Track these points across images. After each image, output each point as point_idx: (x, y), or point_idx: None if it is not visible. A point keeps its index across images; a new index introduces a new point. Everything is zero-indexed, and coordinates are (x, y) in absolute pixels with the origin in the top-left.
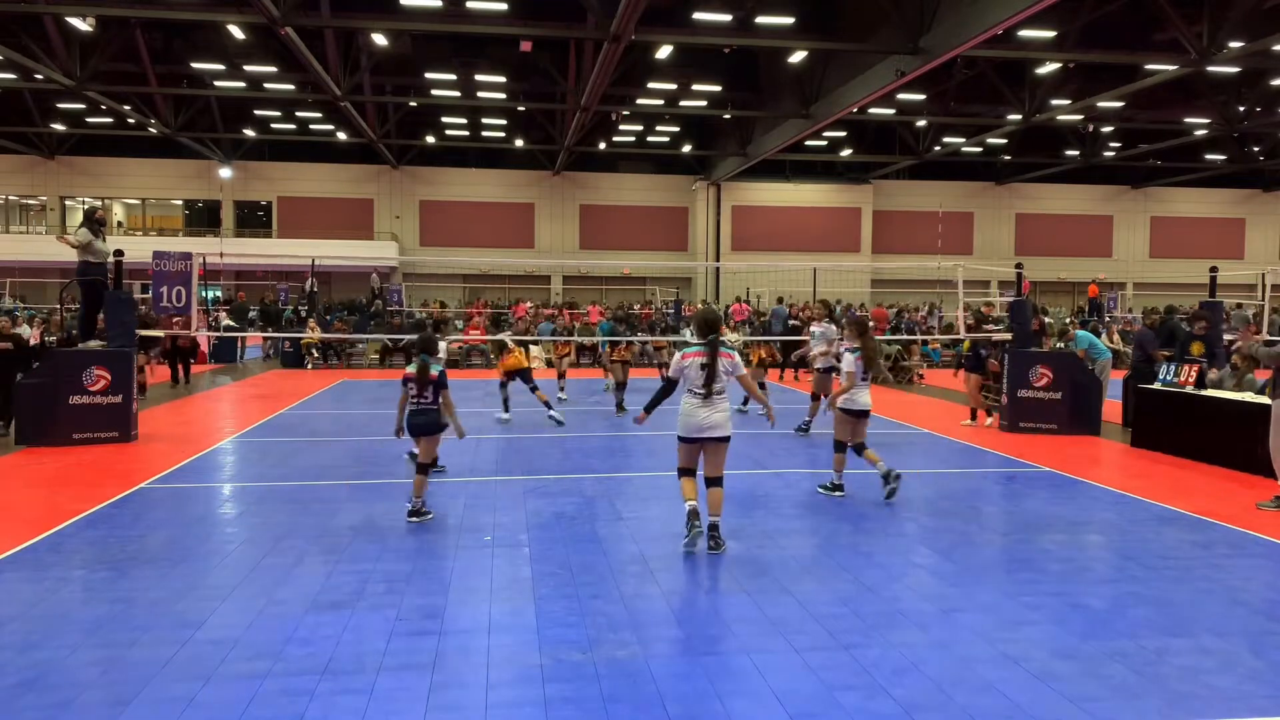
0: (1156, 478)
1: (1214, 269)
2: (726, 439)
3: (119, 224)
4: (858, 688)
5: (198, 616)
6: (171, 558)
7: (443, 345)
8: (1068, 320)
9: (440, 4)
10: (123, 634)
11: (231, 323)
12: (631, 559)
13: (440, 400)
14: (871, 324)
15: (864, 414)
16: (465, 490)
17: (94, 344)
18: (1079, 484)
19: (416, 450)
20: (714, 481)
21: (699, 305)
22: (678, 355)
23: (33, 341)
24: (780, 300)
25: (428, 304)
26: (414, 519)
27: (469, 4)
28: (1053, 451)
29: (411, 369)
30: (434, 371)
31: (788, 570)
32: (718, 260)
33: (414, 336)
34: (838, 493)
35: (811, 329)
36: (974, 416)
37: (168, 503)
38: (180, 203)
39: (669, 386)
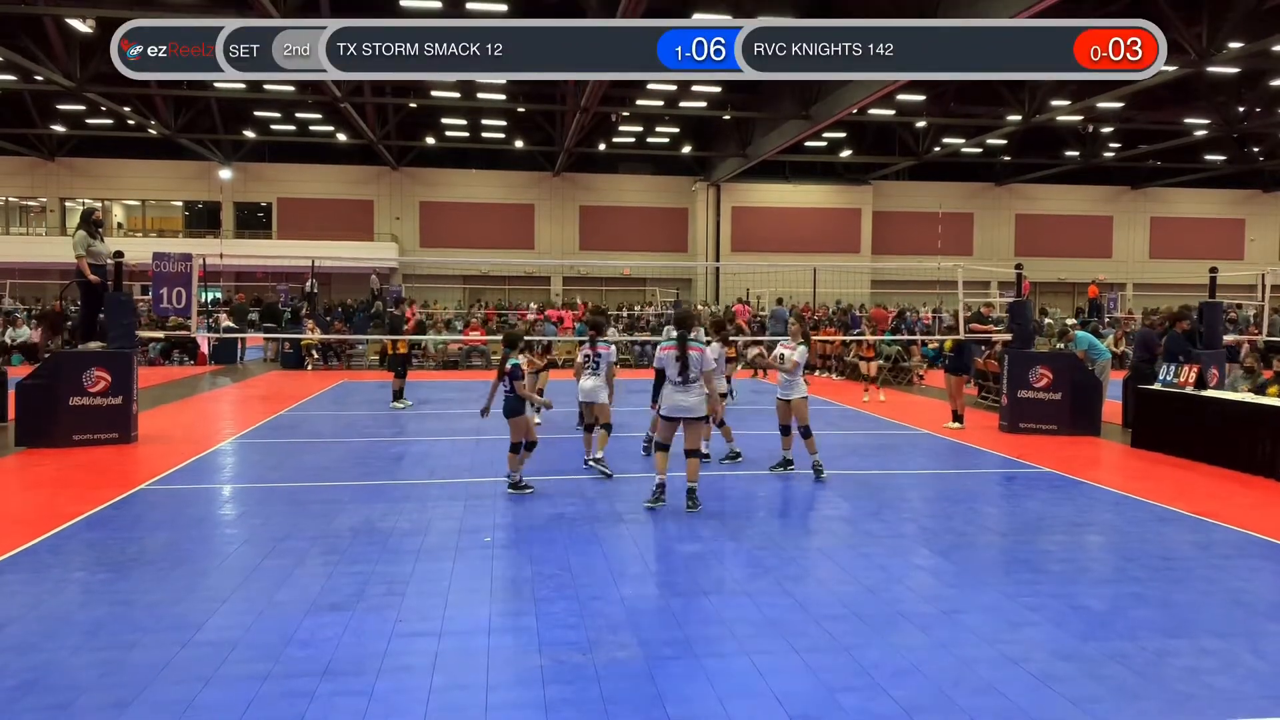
0: (1156, 478)
1: (1214, 269)
2: (702, 418)
3: (119, 225)
4: (858, 689)
5: (197, 618)
6: (171, 559)
7: (613, 330)
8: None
9: (440, 4)
10: (122, 636)
11: (232, 323)
12: (631, 559)
13: (514, 388)
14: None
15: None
16: (465, 490)
17: (94, 345)
18: (1079, 485)
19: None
20: (692, 454)
21: (699, 307)
22: (658, 350)
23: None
24: (780, 301)
25: (429, 304)
26: (512, 491)
27: (469, 4)
28: (1053, 452)
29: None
30: (509, 365)
31: (788, 572)
32: (718, 261)
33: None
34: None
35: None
36: (957, 419)
37: (167, 504)
38: (180, 204)
39: (660, 376)
